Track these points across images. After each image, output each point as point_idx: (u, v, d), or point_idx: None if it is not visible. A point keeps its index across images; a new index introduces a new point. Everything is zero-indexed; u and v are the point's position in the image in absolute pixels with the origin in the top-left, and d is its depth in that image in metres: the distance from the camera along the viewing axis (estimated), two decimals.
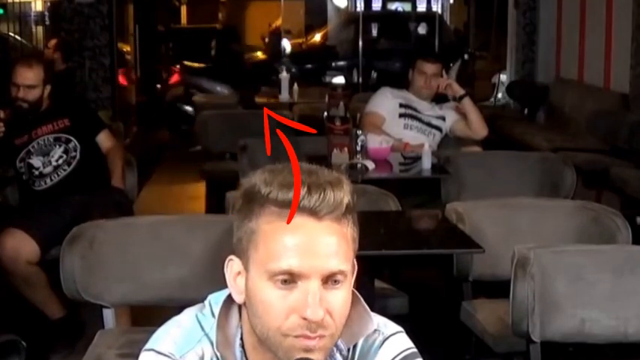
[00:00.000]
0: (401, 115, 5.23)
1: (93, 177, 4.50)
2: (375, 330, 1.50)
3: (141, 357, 1.45)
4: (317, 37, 15.42)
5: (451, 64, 12.32)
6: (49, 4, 10.04)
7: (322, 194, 1.37)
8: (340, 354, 1.48)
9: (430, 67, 5.28)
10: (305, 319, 1.35)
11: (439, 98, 5.48)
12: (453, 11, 18.30)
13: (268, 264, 1.37)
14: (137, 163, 5.01)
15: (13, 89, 4.43)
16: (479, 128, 5.29)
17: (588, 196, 5.60)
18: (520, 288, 2.75)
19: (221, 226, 2.94)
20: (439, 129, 5.30)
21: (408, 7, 17.11)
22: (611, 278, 2.80)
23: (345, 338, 1.46)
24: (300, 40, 15.91)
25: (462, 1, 17.64)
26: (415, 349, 1.52)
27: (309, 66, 13.49)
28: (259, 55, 15.67)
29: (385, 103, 5.26)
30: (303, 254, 1.36)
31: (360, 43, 13.33)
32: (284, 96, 8.44)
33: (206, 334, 1.45)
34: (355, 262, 1.44)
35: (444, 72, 5.47)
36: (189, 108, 9.47)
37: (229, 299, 1.46)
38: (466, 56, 13.57)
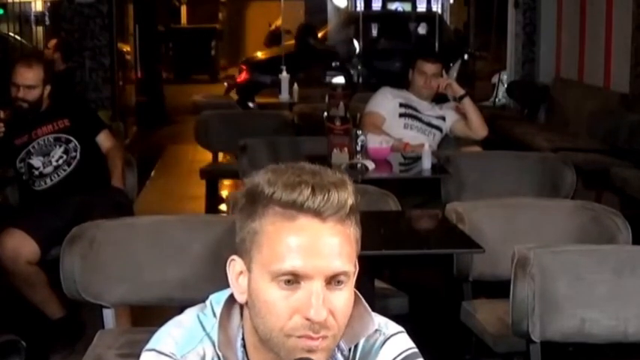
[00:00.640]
0: (401, 115, 5.23)
1: (93, 177, 4.50)
2: (376, 330, 1.50)
3: (142, 357, 1.45)
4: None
5: (451, 64, 12.31)
6: (49, 4, 10.03)
7: (326, 195, 1.37)
8: (341, 354, 1.48)
9: (430, 67, 5.28)
10: (308, 319, 1.35)
11: (439, 98, 5.48)
12: (453, 11, 18.29)
13: (272, 265, 1.37)
14: (137, 163, 5.01)
15: (13, 89, 4.42)
16: (479, 128, 5.29)
17: (588, 196, 5.60)
18: (520, 288, 2.75)
19: (221, 226, 2.94)
20: (439, 129, 5.29)
21: (408, 7, 17.11)
22: (611, 278, 2.80)
23: (346, 338, 1.46)
24: None
25: (462, 1, 17.62)
26: (416, 349, 1.52)
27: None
28: None
29: (385, 103, 5.26)
30: (307, 255, 1.35)
31: (360, 43, 13.33)
32: (284, 96, 8.43)
33: (207, 334, 1.44)
34: (357, 263, 1.44)
35: (443, 72, 5.47)
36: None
37: (231, 299, 1.46)
38: (466, 56, 13.57)
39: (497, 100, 11.18)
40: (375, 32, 14.39)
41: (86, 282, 2.97)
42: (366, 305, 1.48)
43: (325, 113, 4.84)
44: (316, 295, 1.35)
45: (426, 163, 4.58)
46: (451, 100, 5.44)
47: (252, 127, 6.07)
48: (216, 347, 1.43)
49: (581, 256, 2.87)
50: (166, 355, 1.43)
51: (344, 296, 1.39)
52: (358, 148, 4.62)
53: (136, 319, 3.88)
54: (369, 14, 15.66)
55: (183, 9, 22.96)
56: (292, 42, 14.18)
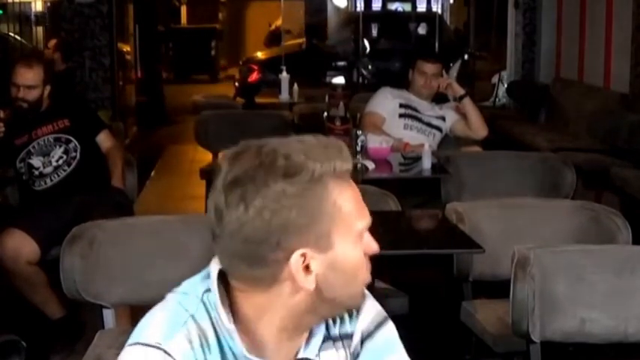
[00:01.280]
0: (401, 116, 5.22)
1: (93, 177, 4.50)
2: None
3: (125, 353, 1.42)
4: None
5: (451, 64, 12.33)
6: (49, 4, 10.04)
7: (349, 157, 1.45)
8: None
9: (430, 67, 5.28)
10: (368, 257, 1.48)
11: (439, 98, 5.48)
12: (453, 11, 18.31)
13: (355, 225, 1.43)
14: (137, 163, 5.01)
15: (13, 89, 4.42)
16: (479, 128, 5.30)
17: (588, 196, 5.60)
18: (520, 288, 2.75)
19: None
20: (439, 129, 5.29)
21: (408, 7, 17.12)
22: (611, 278, 2.80)
23: None
24: None
25: (462, 1, 17.63)
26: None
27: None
28: None
29: (385, 103, 5.26)
30: (365, 206, 1.49)
31: (360, 42, 13.33)
32: (284, 96, 8.44)
33: (192, 315, 1.43)
34: None
35: (444, 72, 5.47)
36: None
37: (221, 286, 1.45)
38: (466, 56, 13.57)
39: (497, 100, 11.18)
40: (375, 32, 14.40)
41: (86, 282, 2.96)
42: None
43: (325, 113, 4.84)
44: (368, 233, 1.48)
45: (426, 163, 4.58)
46: (451, 100, 5.44)
47: (252, 127, 6.07)
48: (219, 321, 1.42)
49: (581, 256, 2.87)
50: (152, 346, 1.40)
51: None
52: (358, 148, 4.62)
53: (136, 319, 3.87)
54: (369, 14, 15.67)
55: (183, 9, 22.97)
56: (295, 42, 14.20)
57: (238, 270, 1.42)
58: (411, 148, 4.98)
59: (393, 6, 17.64)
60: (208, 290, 1.44)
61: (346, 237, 1.41)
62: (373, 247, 1.48)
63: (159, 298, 1.52)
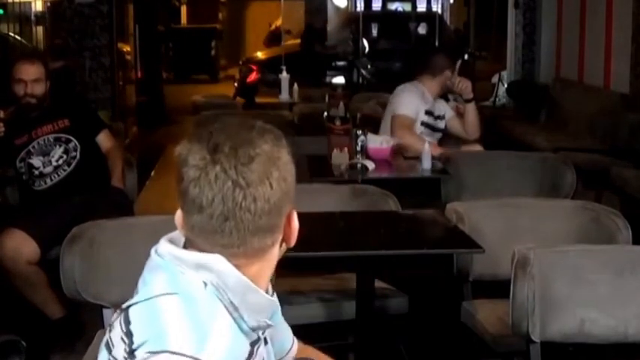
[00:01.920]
0: (422, 124, 5.18)
1: (93, 177, 4.50)
2: None
3: None
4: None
5: None
6: (49, 4, 10.04)
7: None
8: None
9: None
10: None
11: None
12: (453, 11, 18.33)
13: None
14: (137, 163, 5.00)
15: (18, 87, 4.41)
16: (474, 132, 5.33)
17: (588, 196, 5.60)
18: (520, 288, 2.75)
19: None
20: (441, 130, 5.30)
21: (408, 7, 17.13)
22: (611, 278, 2.80)
23: None
24: None
25: (462, 1, 17.66)
26: None
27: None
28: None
29: (413, 106, 5.11)
30: None
31: (360, 43, 13.34)
32: (284, 96, 8.44)
33: (211, 317, 1.40)
34: None
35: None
36: None
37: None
38: (466, 56, 13.58)
39: (497, 100, 11.18)
40: (375, 32, 14.40)
41: (86, 282, 2.97)
42: None
43: (325, 113, 4.84)
44: None
45: (426, 163, 4.58)
46: (451, 99, 5.43)
47: None
48: (235, 304, 1.42)
49: (581, 256, 2.87)
50: (187, 356, 1.34)
51: None
52: (358, 148, 4.62)
53: None
54: (369, 14, 15.68)
55: (183, 9, 22.98)
56: (295, 42, 14.20)
57: (251, 246, 1.43)
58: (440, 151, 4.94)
59: (393, 6, 17.65)
60: (205, 284, 1.42)
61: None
62: None
63: None
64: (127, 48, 11.16)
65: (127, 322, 1.41)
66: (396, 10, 17.49)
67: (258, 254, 1.46)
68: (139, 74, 12.12)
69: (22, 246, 4.13)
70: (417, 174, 4.68)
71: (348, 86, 11.36)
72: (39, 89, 4.44)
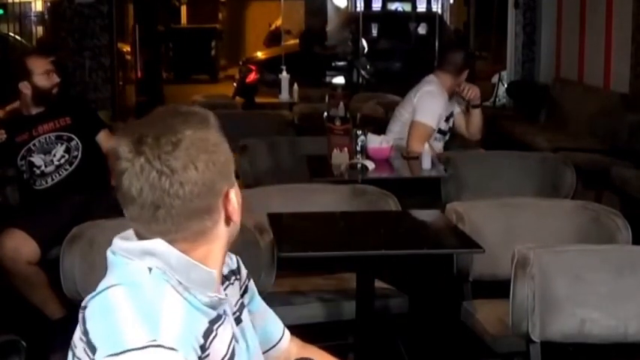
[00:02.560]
0: (439, 131, 5.16)
1: (93, 176, 4.49)
2: None
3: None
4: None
5: None
6: (49, 4, 10.05)
7: None
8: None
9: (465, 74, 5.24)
10: None
11: None
12: (453, 11, 18.32)
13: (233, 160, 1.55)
14: None
15: (49, 78, 4.43)
16: (476, 134, 5.33)
17: (588, 196, 5.60)
18: (520, 288, 2.75)
19: None
20: (450, 130, 5.30)
21: (408, 7, 17.13)
22: (611, 278, 2.80)
23: None
24: None
25: (461, 1, 17.65)
26: None
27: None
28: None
29: (438, 115, 5.08)
30: None
31: (360, 43, 13.33)
32: (284, 96, 8.44)
33: (160, 297, 1.43)
34: None
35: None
36: None
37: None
38: None
39: (497, 100, 11.17)
40: (375, 32, 14.40)
41: (86, 282, 2.96)
42: None
43: (325, 113, 4.84)
44: None
45: (426, 163, 4.58)
46: (458, 102, 5.39)
47: (252, 127, 6.07)
48: (182, 284, 1.45)
49: (581, 256, 2.87)
50: (148, 347, 1.35)
51: None
52: (358, 148, 4.62)
53: None
54: (369, 14, 15.68)
55: (183, 9, 22.97)
56: (295, 42, 14.20)
57: (189, 230, 1.47)
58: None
59: (393, 6, 17.65)
60: (149, 269, 1.45)
61: (233, 171, 1.54)
62: None
63: None
64: (127, 48, 11.17)
65: (84, 321, 1.45)
66: (396, 10, 17.48)
67: (199, 237, 1.49)
68: (139, 74, 12.12)
69: (22, 246, 4.13)
70: (417, 174, 4.68)
71: (348, 86, 11.36)
72: (58, 78, 4.49)
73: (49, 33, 9.87)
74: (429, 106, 5.08)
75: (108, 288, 1.44)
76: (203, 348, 1.43)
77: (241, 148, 4.99)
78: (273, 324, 1.83)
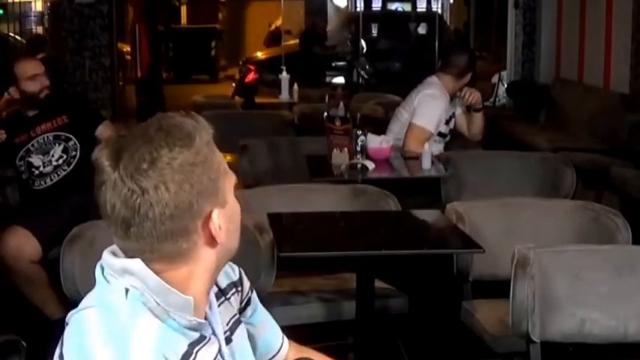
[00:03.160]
0: (439, 134, 5.15)
1: (92, 175, 4.47)
2: None
3: None
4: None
5: None
6: (49, 4, 10.05)
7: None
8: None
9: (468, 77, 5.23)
10: None
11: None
12: (453, 11, 18.31)
13: (233, 178, 1.51)
14: None
15: (34, 83, 4.43)
16: (477, 135, 5.32)
17: (588, 196, 5.60)
18: (520, 288, 2.75)
19: None
20: (451, 132, 5.30)
21: (408, 7, 17.12)
22: (611, 278, 2.80)
23: None
24: None
25: (462, 1, 17.64)
26: None
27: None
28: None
29: (437, 119, 5.04)
30: None
31: (360, 43, 13.34)
32: (284, 96, 8.44)
33: (135, 321, 1.39)
34: None
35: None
36: None
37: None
38: None
39: (497, 100, 11.17)
40: (375, 32, 14.40)
41: (86, 282, 2.95)
42: None
43: (325, 113, 4.84)
44: None
45: (426, 163, 4.58)
46: (459, 103, 5.37)
47: (252, 127, 6.07)
48: (160, 305, 1.41)
49: (581, 256, 2.87)
50: None
51: None
52: (358, 148, 4.62)
53: None
54: (369, 14, 15.67)
55: (183, 9, 22.96)
56: (295, 42, 14.19)
57: (163, 251, 1.42)
58: None
59: (393, 6, 17.63)
60: (126, 290, 1.42)
61: (231, 190, 1.49)
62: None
63: None
64: (127, 48, 11.17)
65: (61, 343, 1.45)
66: (396, 10, 17.47)
67: (177, 258, 1.43)
68: (139, 74, 12.12)
69: (25, 244, 4.13)
70: (417, 174, 4.68)
71: (348, 86, 11.36)
72: (47, 81, 4.49)
73: (49, 33, 9.87)
74: (428, 109, 5.04)
75: (85, 309, 1.43)
76: None
77: (241, 148, 4.99)
78: (273, 333, 1.80)
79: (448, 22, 16.60)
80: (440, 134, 5.16)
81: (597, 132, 7.59)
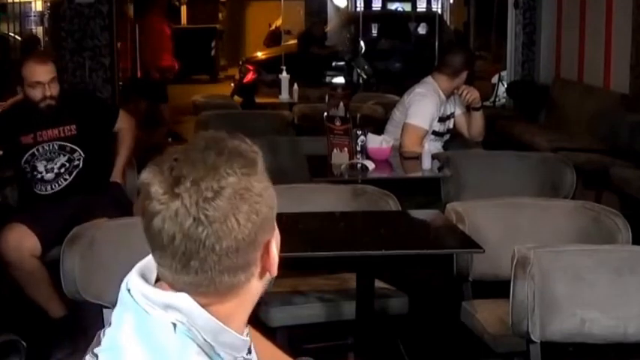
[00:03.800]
0: (433, 133, 5.16)
1: (93, 182, 4.44)
2: None
3: None
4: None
5: None
6: (49, 4, 10.04)
7: None
8: None
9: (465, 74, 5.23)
10: None
11: None
12: (452, 11, 18.31)
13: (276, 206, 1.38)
14: (137, 163, 5.00)
15: (35, 90, 4.25)
16: (477, 135, 5.32)
17: (588, 196, 5.60)
18: (520, 288, 2.75)
19: None
20: (449, 131, 5.30)
21: (408, 7, 17.12)
22: (611, 278, 2.80)
23: None
24: None
25: (462, 1, 17.64)
26: None
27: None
28: None
29: (430, 117, 5.06)
30: None
31: (360, 43, 13.34)
32: (284, 96, 8.44)
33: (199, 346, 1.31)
34: None
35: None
36: None
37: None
38: None
39: (497, 100, 11.18)
40: (375, 32, 14.40)
41: (86, 282, 2.97)
42: None
43: (325, 113, 4.84)
44: None
45: (426, 163, 4.58)
46: (459, 103, 5.37)
47: (252, 127, 6.06)
48: (210, 345, 1.32)
49: (581, 256, 2.87)
50: None
51: None
52: (358, 148, 4.62)
53: None
54: (369, 14, 15.67)
55: (183, 9, 22.96)
56: (295, 42, 14.20)
57: (221, 285, 1.32)
58: None
59: (393, 6, 17.63)
60: (174, 325, 1.32)
61: (275, 217, 1.37)
62: None
63: None
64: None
65: None
66: (396, 10, 17.47)
67: (231, 291, 1.34)
68: (139, 74, 12.12)
69: (24, 239, 4.13)
70: (417, 174, 4.68)
71: (348, 86, 11.36)
72: (56, 89, 4.30)
73: (49, 33, 9.87)
74: (420, 108, 5.06)
75: (126, 348, 1.32)
76: None
77: None
78: None
79: (448, 22, 16.60)
80: (435, 133, 5.16)
81: (597, 132, 7.59)
